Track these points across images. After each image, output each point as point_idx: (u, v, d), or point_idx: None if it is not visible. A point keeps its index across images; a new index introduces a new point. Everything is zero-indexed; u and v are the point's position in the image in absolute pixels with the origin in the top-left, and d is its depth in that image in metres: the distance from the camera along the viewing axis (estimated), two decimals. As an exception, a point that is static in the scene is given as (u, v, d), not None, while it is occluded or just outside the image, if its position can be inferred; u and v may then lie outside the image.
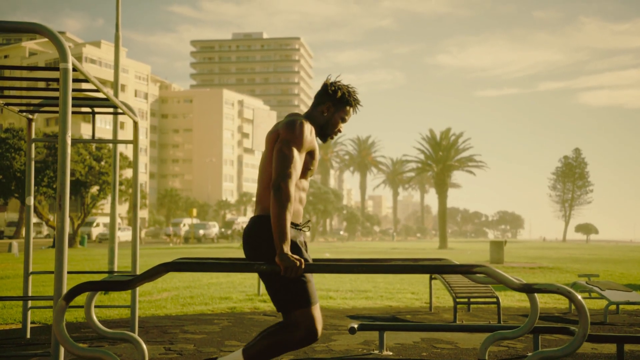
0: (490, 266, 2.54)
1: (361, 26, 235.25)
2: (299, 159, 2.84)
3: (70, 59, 3.47)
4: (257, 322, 6.69)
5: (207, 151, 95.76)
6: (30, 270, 5.75)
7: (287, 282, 2.70)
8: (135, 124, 5.78)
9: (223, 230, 60.59)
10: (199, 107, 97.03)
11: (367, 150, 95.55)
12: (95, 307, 6.30)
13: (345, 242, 62.39)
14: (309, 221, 3.00)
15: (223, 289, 10.20)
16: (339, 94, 3.08)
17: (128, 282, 2.43)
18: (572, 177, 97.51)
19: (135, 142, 5.83)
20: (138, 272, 5.54)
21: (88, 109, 6.47)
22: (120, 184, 32.52)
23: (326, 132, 3.12)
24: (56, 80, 4.63)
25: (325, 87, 3.11)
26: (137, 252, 5.78)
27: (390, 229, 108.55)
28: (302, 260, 2.58)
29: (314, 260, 2.94)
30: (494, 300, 7.15)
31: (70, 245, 31.52)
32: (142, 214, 75.57)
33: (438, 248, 43.29)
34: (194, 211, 49.78)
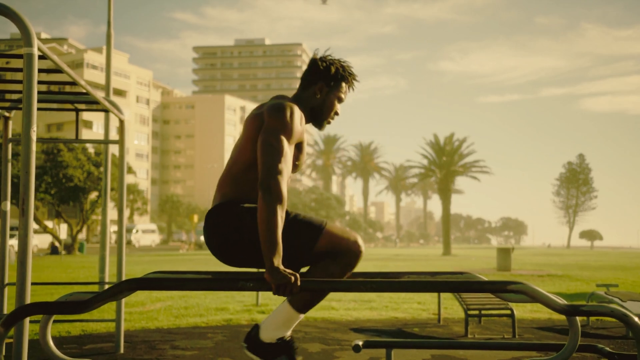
0: (528, 284, 2.08)
1: (363, 32, 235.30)
2: (289, 152, 2.36)
3: (36, 42, 3.03)
4: (254, 336, 6.22)
5: (209, 157, 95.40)
6: (6, 281, 5.29)
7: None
8: (122, 122, 5.34)
9: None
10: (201, 113, 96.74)
11: (369, 156, 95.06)
12: (81, 321, 5.84)
13: (348, 249, 61.76)
14: None
15: (220, 298, 9.73)
16: (333, 69, 2.59)
17: (85, 303, 1.98)
18: (576, 183, 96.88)
19: (121, 141, 5.39)
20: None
21: (70, 106, 6.03)
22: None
23: (322, 116, 2.62)
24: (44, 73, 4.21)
25: (315, 63, 2.61)
26: (122, 260, 5.33)
27: (393, 235, 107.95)
28: (297, 275, 2.12)
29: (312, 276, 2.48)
30: (508, 312, 6.69)
31: (69, 252, 31.07)
32: (144, 220, 75.13)
33: (442, 254, 42.74)
34: (195, 217, 49.30)
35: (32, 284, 5.63)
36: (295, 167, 2.53)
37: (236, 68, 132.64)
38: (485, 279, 2.38)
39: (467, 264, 25.31)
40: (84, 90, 4.46)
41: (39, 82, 4.54)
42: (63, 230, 27.01)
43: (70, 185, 28.19)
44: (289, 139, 2.35)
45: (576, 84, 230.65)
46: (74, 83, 4.22)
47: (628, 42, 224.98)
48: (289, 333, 2.43)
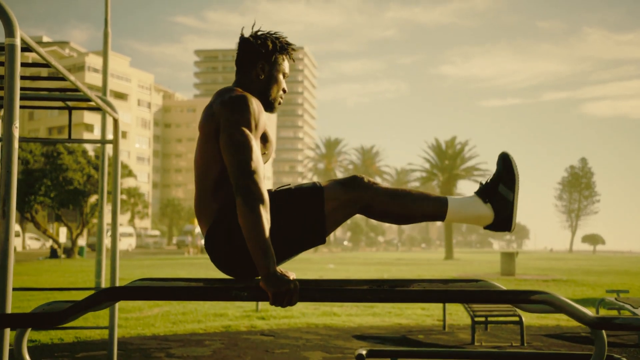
0: (553, 293, 1.86)
1: (365, 36, 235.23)
2: (256, 144, 2.12)
3: (19, 33, 2.83)
4: (253, 344, 6.00)
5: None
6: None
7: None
8: (116, 121, 5.13)
9: None
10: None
11: (371, 160, 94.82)
12: (74, 328, 5.62)
13: (350, 253, 61.57)
14: None
15: (219, 303, 9.50)
16: (269, 43, 2.32)
17: (58, 315, 1.76)
18: (578, 187, 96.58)
19: (115, 141, 5.18)
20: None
21: (61, 104, 5.82)
22: (120, 192, 31.79)
23: (270, 97, 2.35)
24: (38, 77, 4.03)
25: (248, 42, 2.33)
26: (116, 265, 5.13)
27: (394, 239, 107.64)
28: (297, 283, 1.90)
29: (315, 285, 2.27)
30: (516, 319, 6.47)
31: (69, 255, 30.87)
32: (145, 223, 74.93)
33: (444, 259, 42.48)
34: (196, 221, 49.11)
35: (14, 289, 5.40)
36: (264, 159, 2.29)
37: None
38: (503, 287, 2.17)
39: (470, 268, 25.06)
40: (75, 88, 4.26)
41: (27, 78, 4.34)
42: (62, 234, 26.78)
43: (70, 189, 27.98)
44: (252, 131, 2.12)
45: (577, 88, 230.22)
46: (62, 79, 4.01)
47: (629, 47, 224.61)
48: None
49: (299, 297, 1.88)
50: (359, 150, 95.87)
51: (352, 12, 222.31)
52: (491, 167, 50.08)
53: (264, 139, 2.30)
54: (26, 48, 3.09)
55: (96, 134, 73.39)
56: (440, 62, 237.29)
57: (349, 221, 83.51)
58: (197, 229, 56.49)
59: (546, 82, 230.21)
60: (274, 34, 2.38)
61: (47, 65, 3.71)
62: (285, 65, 2.40)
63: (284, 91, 2.41)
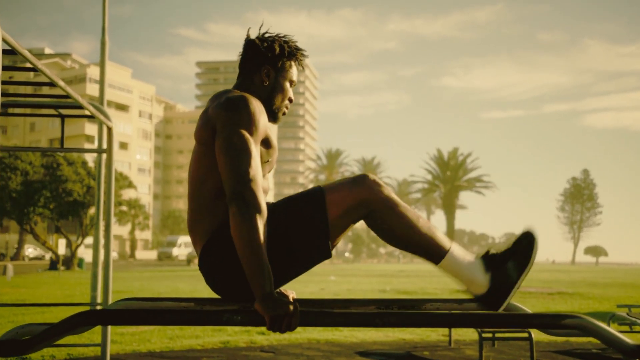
0: (586, 318, 1.66)
1: (367, 48, 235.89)
2: (255, 149, 1.87)
3: (0, 33, 2.64)
4: (252, 361, 5.78)
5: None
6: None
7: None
8: (109, 129, 4.94)
9: None
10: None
11: (372, 171, 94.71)
12: (66, 345, 5.41)
13: (351, 264, 61.24)
14: None
15: (218, 318, 9.27)
16: (277, 47, 2.10)
17: (25, 343, 1.56)
18: (580, 198, 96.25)
19: (109, 150, 4.99)
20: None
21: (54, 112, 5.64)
22: (120, 204, 31.68)
23: (274, 106, 2.11)
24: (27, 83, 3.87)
25: (253, 45, 2.10)
26: (109, 280, 4.92)
27: (396, 251, 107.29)
28: (297, 305, 1.68)
29: (318, 306, 2.06)
30: (526, 335, 6.23)
31: (68, 267, 30.63)
32: (146, 235, 74.70)
33: (446, 271, 42.15)
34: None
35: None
36: (266, 167, 2.04)
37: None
38: (526, 308, 1.96)
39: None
40: (66, 94, 4.07)
41: (13, 83, 4.15)
42: (62, 245, 26.57)
43: (69, 200, 27.78)
44: (253, 134, 1.87)
45: (579, 99, 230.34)
46: (52, 84, 3.83)
47: (631, 59, 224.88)
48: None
49: (299, 321, 1.67)
50: (360, 162, 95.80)
51: (353, 24, 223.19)
52: (494, 179, 49.85)
53: (266, 144, 2.02)
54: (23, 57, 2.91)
55: (97, 144, 73.29)
56: (441, 74, 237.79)
57: (350, 232, 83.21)
58: (180, 240, 55.42)
59: (548, 93, 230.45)
60: (283, 37, 2.16)
61: (34, 69, 3.53)
62: (293, 72, 2.18)
63: (290, 100, 2.17)
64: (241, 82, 2.12)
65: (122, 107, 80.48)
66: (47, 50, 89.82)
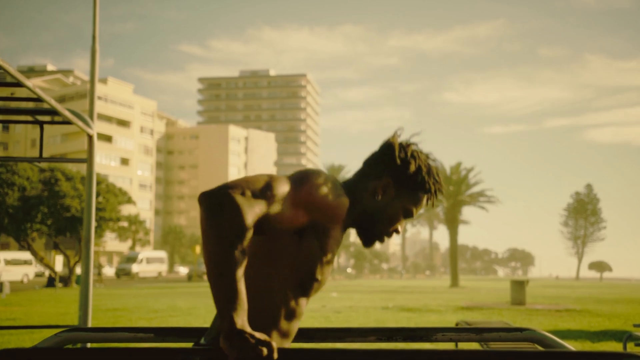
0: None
1: (368, 64, 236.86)
2: (274, 191, 1.43)
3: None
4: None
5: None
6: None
7: None
8: (90, 137, 4.59)
9: None
10: (205, 143, 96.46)
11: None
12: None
13: (353, 280, 60.66)
14: None
15: (209, 321, 8.85)
16: (412, 167, 1.63)
17: None
18: (584, 213, 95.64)
19: (89, 160, 4.63)
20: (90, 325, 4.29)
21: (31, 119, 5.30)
22: (118, 219, 31.31)
23: (374, 227, 1.64)
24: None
25: (389, 149, 1.66)
26: (88, 301, 4.55)
27: (398, 267, 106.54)
28: (271, 343, 1.27)
29: (305, 337, 1.68)
30: None
31: (66, 284, 30.19)
32: (147, 250, 74.17)
33: (450, 286, 41.64)
34: (198, 248, 48.39)
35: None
36: (316, 285, 1.57)
37: (241, 99, 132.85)
38: (567, 345, 1.58)
39: (477, 297, 24.30)
40: (42, 99, 3.72)
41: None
42: (59, 262, 26.17)
43: (67, 216, 27.42)
44: (285, 191, 1.45)
45: (580, 114, 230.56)
46: (39, 99, 3.48)
47: (631, 74, 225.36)
48: None
49: (272, 362, 1.28)
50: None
51: (355, 40, 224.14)
52: (496, 194, 49.35)
53: (320, 236, 1.53)
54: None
55: (98, 161, 73.10)
56: (442, 89, 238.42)
57: (352, 248, 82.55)
58: (140, 255, 51.32)
59: (549, 108, 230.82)
60: (429, 159, 1.68)
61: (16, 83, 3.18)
62: (417, 205, 1.67)
63: (397, 232, 1.68)
64: (355, 178, 1.68)
65: (123, 123, 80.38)
66: (50, 67, 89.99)
